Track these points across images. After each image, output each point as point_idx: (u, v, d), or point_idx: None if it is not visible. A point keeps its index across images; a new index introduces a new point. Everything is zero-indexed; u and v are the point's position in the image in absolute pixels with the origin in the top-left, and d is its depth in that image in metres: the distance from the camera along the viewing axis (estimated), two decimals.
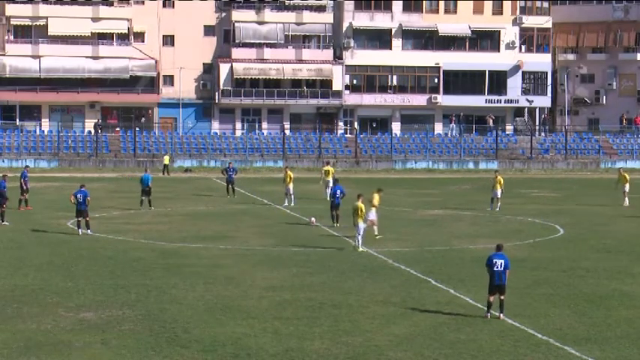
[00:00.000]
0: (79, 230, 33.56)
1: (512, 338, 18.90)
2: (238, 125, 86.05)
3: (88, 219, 33.75)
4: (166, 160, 69.75)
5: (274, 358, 17.38)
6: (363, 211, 30.63)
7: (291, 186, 44.75)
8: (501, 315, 20.47)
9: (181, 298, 22.40)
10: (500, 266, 20.48)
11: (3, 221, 36.62)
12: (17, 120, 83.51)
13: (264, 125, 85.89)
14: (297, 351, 17.80)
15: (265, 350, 17.81)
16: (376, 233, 32.75)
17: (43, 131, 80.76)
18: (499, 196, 43.62)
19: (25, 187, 43.00)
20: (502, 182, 43.72)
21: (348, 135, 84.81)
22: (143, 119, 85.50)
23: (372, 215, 32.44)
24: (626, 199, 46.51)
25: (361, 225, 30.43)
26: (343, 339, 18.69)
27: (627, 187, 46.87)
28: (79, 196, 33.69)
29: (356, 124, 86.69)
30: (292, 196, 44.78)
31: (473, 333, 19.28)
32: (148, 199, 42.62)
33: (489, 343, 18.55)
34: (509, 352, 17.91)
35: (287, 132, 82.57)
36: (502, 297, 20.55)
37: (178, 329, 19.34)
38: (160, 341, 18.42)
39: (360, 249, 30.25)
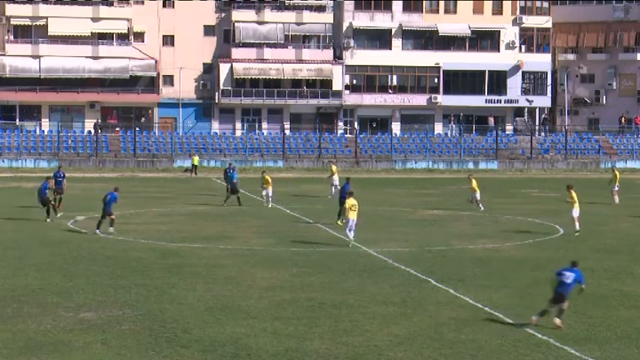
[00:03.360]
0: (97, 231, 33.56)
1: (512, 338, 18.88)
2: (238, 125, 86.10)
3: (113, 217, 33.73)
4: (195, 160, 69.77)
5: (274, 358, 17.37)
6: (356, 207, 31.34)
7: (270, 189, 44.27)
8: (558, 320, 19.50)
9: (181, 298, 22.39)
10: (570, 279, 19.63)
11: (49, 217, 37.23)
12: (17, 120, 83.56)
13: (264, 125, 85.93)
14: (297, 351, 17.79)
15: (265, 350, 17.80)
16: (578, 229, 34.73)
17: (43, 131, 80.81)
18: (478, 198, 43.12)
19: (56, 188, 42.10)
20: (477, 184, 43.17)
21: (348, 135, 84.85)
22: (143, 119, 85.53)
23: (576, 212, 34.90)
24: (616, 197, 47.00)
25: (351, 220, 31.08)
26: (343, 339, 18.68)
27: (617, 186, 47.30)
28: (108, 197, 33.80)
29: (356, 124, 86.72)
30: (270, 199, 44.28)
31: (473, 333, 19.27)
32: (236, 196, 43.89)
33: (489, 343, 18.54)
34: (509, 352, 17.90)
35: (287, 132, 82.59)
36: (563, 306, 19.61)
37: (178, 329, 19.33)
38: (160, 341, 18.41)
39: (352, 243, 30.88)
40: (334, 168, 51.92)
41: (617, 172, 48.44)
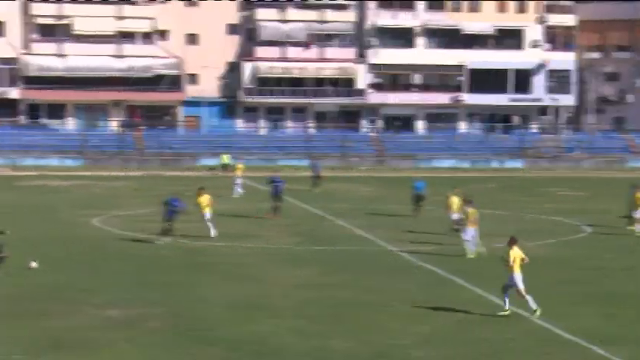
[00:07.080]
0: None
1: (537, 337, 18.81)
2: (262, 124, 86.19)
3: None
4: (225, 159, 68.63)
5: (298, 357, 17.39)
6: (475, 215, 29.43)
7: (209, 213, 33.56)
8: None
9: (206, 297, 22.46)
10: None
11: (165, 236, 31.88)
12: (43, 119, 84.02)
13: (288, 124, 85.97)
14: (321, 350, 17.80)
15: (289, 349, 17.82)
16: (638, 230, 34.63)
17: (69, 130, 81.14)
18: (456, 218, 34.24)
19: (276, 195, 39.45)
20: (459, 204, 33.64)
21: (372, 134, 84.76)
22: (167, 118, 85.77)
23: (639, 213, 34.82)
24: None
25: (469, 230, 29.31)
26: (367, 338, 18.68)
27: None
28: None
29: (380, 123, 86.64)
30: (211, 224, 33.35)
31: (497, 332, 19.21)
32: (419, 205, 39.62)
33: (515, 341, 18.48)
34: (535, 352, 17.83)
35: (311, 130, 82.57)
36: None
37: (203, 327, 19.40)
38: (185, 339, 18.48)
39: (470, 255, 29.06)
40: (240, 166, 51.18)
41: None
